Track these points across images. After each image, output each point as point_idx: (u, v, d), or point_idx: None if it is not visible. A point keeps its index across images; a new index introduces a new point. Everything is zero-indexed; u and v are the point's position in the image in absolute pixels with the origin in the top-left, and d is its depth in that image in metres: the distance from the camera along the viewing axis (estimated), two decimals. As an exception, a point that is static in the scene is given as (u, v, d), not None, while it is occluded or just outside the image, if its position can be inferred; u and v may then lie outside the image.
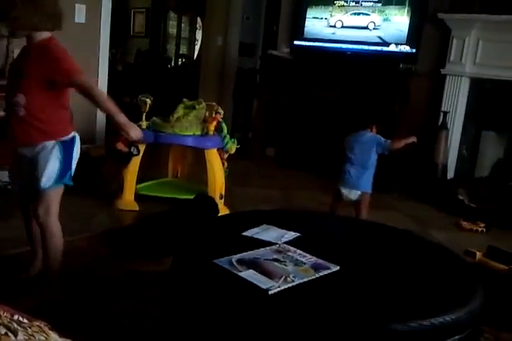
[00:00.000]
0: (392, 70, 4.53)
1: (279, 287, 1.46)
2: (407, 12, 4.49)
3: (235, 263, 1.59)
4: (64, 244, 2.22)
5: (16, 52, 2.40)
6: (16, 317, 0.98)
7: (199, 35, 9.13)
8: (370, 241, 2.00)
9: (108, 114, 2.07)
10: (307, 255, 1.70)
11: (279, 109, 5.23)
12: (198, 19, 9.17)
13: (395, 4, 4.56)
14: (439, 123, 4.33)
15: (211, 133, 3.53)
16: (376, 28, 4.67)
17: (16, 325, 0.93)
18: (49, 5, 2.00)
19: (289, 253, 1.70)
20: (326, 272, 1.59)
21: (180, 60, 9.68)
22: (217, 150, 3.57)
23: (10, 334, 0.89)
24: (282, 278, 1.51)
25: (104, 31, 4.33)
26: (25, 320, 0.98)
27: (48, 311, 1.86)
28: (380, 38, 4.66)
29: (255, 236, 1.86)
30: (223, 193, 3.55)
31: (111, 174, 3.66)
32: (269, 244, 1.79)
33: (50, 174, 2.07)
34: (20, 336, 0.90)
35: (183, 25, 9.77)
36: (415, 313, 1.43)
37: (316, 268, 1.61)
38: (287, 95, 5.12)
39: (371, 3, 4.68)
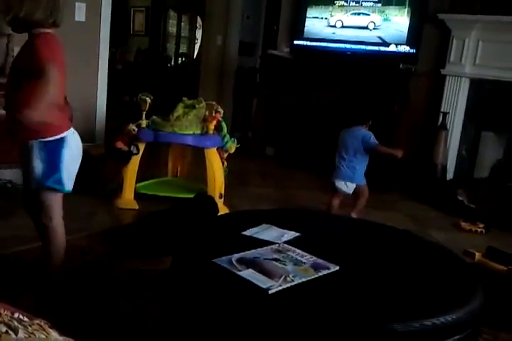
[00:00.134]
0: (391, 70, 4.53)
1: (279, 286, 1.46)
2: (407, 12, 4.49)
3: (234, 262, 1.59)
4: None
5: (16, 50, 2.39)
6: (16, 315, 0.98)
7: (199, 34, 9.13)
8: (370, 241, 2.00)
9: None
10: (307, 255, 1.70)
11: (278, 109, 5.24)
12: (198, 18, 9.16)
13: (395, 4, 4.56)
14: (439, 123, 4.33)
15: (211, 132, 3.53)
16: (376, 28, 4.67)
17: (16, 323, 0.93)
18: (52, 1, 1.99)
19: (289, 253, 1.70)
20: (325, 272, 1.59)
21: (180, 59, 9.67)
22: (217, 149, 3.57)
23: (10, 332, 0.89)
24: (282, 278, 1.51)
25: (104, 30, 4.32)
26: (26, 319, 0.99)
27: (48, 309, 1.86)
28: (380, 38, 4.66)
29: (255, 236, 1.86)
30: (223, 192, 3.55)
31: (111, 173, 3.66)
32: (269, 243, 1.79)
33: (35, 175, 2.00)
34: (21, 334, 0.91)
35: (183, 24, 9.76)
36: (415, 313, 1.43)
37: (316, 267, 1.61)
38: (287, 95, 5.12)
39: (371, 3, 4.68)
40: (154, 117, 3.57)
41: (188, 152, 4.02)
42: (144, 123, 3.50)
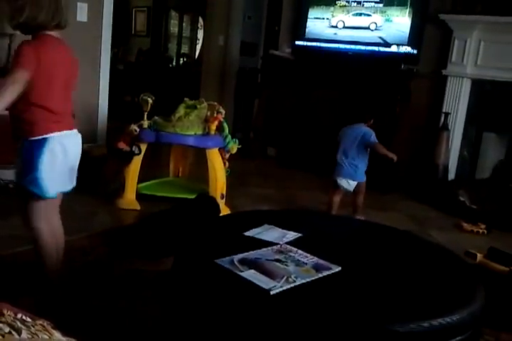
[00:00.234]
0: (393, 71, 4.53)
1: (280, 287, 1.46)
2: (409, 13, 4.49)
3: (236, 263, 1.59)
4: (65, 242, 2.22)
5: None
6: (19, 315, 0.98)
7: (200, 34, 9.12)
8: (372, 242, 2.00)
9: None
10: (308, 255, 1.70)
11: (280, 109, 5.24)
12: (200, 18, 9.16)
13: (397, 5, 4.56)
14: (440, 124, 4.33)
15: (212, 132, 3.54)
16: (378, 29, 4.67)
17: (19, 324, 0.94)
18: (53, 4, 2.00)
19: (291, 254, 1.71)
20: (327, 272, 1.59)
21: (181, 59, 9.67)
22: (219, 149, 3.57)
23: (14, 332, 0.90)
24: (284, 279, 1.51)
25: (106, 30, 4.33)
26: (29, 319, 0.99)
27: (49, 310, 1.86)
28: (381, 38, 4.66)
29: (257, 237, 1.86)
30: (224, 193, 3.55)
31: (112, 173, 3.67)
32: (270, 244, 1.79)
33: (16, 172, 2.05)
34: (24, 334, 0.91)
35: (184, 24, 9.76)
36: (416, 314, 1.43)
37: (318, 268, 1.61)
38: (288, 95, 5.12)
39: (373, 4, 4.68)
40: (156, 117, 3.57)
41: (189, 152, 4.02)
42: (145, 123, 3.50)
